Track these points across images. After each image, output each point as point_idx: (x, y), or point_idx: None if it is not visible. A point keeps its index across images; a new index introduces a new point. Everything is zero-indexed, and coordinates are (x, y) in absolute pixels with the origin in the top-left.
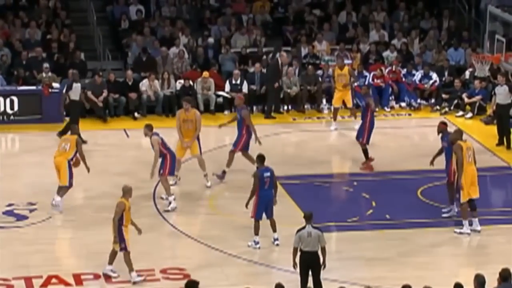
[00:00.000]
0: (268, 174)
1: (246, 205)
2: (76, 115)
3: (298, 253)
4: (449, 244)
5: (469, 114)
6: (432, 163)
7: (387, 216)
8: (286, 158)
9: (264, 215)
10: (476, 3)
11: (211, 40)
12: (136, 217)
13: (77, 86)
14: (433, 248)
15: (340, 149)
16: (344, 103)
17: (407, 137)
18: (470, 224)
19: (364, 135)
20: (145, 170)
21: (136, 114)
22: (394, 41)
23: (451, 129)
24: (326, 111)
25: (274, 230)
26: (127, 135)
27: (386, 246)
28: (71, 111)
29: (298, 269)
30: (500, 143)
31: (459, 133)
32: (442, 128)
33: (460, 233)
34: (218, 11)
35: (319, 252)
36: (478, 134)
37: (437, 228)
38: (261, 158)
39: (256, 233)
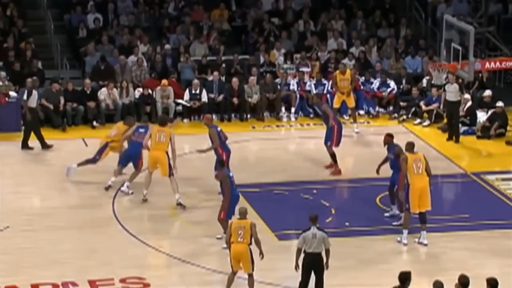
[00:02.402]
0: (231, 173)
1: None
2: (36, 123)
3: (302, 255)
4: (408, 251)
5: (427, 122)
6: (377, 171)
7: (347, 224)
8: (246, 166)
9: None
10: (433, 12)
11: (168, 46)
12: (97, 226)
13: (35, 94)
14: (392, 255)
15: (300, 157)
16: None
17: (366, 145)
18: (418, 237)
19: (332, 139)
20: (104, 178)
21: (94, 123)
22: (352, 49)
23: (407, 135)
24: (285, 119)
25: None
26: (86, 144)
27: (345, 254)
28: (32, 117)
29: (299, 271)
30: (450, 138)
31: (409, 145)
32: (387, 140)
33: (399, 241)
34: (177, 19)
35: (323, 254)
36: (435, 142)
37: (396, 235)
38: (221, 163)
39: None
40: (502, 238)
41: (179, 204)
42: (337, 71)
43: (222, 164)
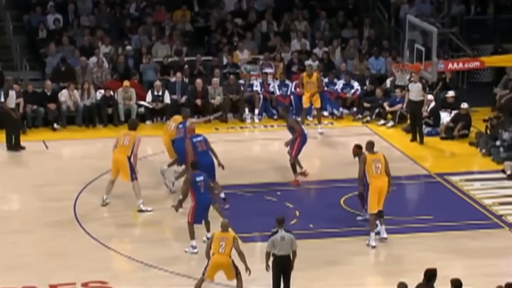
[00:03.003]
0: (201, 178)
1: (176, 209)
2: (15, 123)
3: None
4: (372, 253)
5: (391, 123)
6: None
7: (311, 226)
8: None
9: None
10: (396, 12)
11: (129, 48)
12: (59, 230)
13: (13, 94)
14: (356, 256)
15: (264, 158)
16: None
17: (330, 146)
18: (377, 233)
19: (293, 148)
20: (65, 181)
21: (55, 125)
22: (316, 50)
23: (371, 137)
24: (249, 121)
25: (208, 230)
26: (46, 147)
27: (310, 256)
28: (8, 118)
29: (270, 273)
30: (414, 139)
31: (368, 145)
32: (356, 152)
33: (367, 245)
34: (139, 20)
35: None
36: (399, 143)
37: (360, 237)
38: (193, 165)
39: (192, 237)
40: (466, 238)
41: (141, 210)
42: (304, 73)
43: (193, 167)
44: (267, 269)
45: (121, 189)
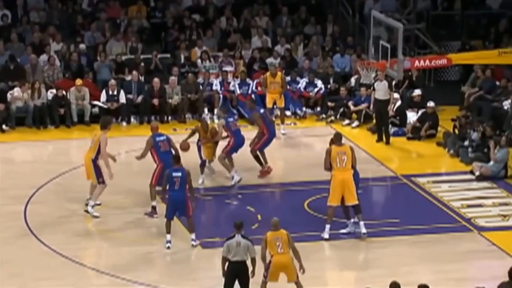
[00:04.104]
0: (179, 174)
1: (162, 200)
2: None
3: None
4: (337, 257)
5: (356, 123)
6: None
7: None
8: None
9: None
10: (360, 8)
11: (82, 46)
12: (7, 236)
13: None
14: (321, 262)
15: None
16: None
17: (293, 147)
18: (358, 227)
19: (258, 143)
20: (15, 185)
21: (4, 127)
22: (278, 47)
23: None
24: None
25: (191, 231)
26: None
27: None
28: None
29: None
30: (379, 139)
31: (336, 137)
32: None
33: (321, 237)
34: (92, 16)
35: (248, 262)
36: (364, 143)
37: (325, 242)
38: (175, 158)
39: (168, 232)
40: (434, 242)
41: (86, 211)
42: (268, 73)
43: (175, 161)
44: (223, 275)
45: (76, 194)
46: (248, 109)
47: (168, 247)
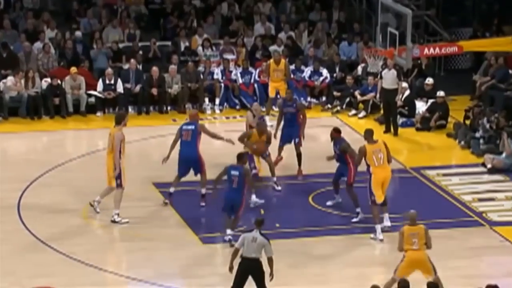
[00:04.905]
0: (236, 173)
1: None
2: None
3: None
4: (343, 253)
5: (362, 113)
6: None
7: (277, 225)
8: (167, 163)
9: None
10: None
11: (78, 33)
12: (1, 232)
13: None
14: (324, 259)
15: (226, 152)
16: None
17: None
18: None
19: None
20: (8, 178)
21: None
22: (281, 35)
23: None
24: (209, 111)
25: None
26: None
27: (275, 259)
28: None
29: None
30: (387, 130)
31: (367, 134)
32: (333, 135)
33: (373, 238)
34: (88, 2)
35: (261, 260)
36: None
37: (330, 237)
38: (238, 156)
39: (227, 227)
40: (444, 238)
41: (114, 221)
42: (271, 60)
43: (239, 159)
44: (230, 270)
45: (71, 188)
46: (288, 100)
47: (230, 240)
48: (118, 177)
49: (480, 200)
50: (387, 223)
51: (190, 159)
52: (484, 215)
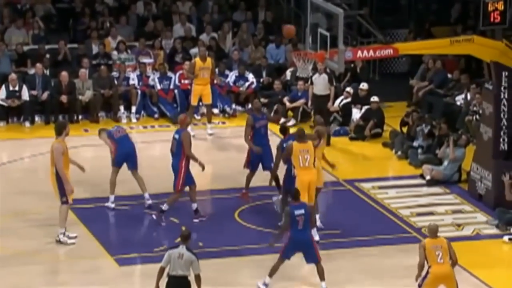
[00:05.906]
0: (302, 211)
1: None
2: None
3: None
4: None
5: (292, 121)
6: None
7: (200, 244)
8: (78, 178)
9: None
10: None
11: None
12: None
13: None
14: (253, 279)
15: (143, 165)
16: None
17: (222, 150)
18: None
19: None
20: None
21: None
22: (203, 36)
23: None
24: (124, 120)
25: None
26: None
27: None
28: None
29: None
30: None
31: (299, 132)
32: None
33: None
34: None
35: (189, 278)
36: None
37: (258, 256)
38: (295, 194)
39: (270, 275)
40: (380, 256)
41: (59, 241)
42: (197, 58)
43: (294, 197)
44: None
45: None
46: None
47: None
48: (63, 194)
49: (419, 214)
50: (315, 237)
51: (173, 170)
52: (423, 230)
